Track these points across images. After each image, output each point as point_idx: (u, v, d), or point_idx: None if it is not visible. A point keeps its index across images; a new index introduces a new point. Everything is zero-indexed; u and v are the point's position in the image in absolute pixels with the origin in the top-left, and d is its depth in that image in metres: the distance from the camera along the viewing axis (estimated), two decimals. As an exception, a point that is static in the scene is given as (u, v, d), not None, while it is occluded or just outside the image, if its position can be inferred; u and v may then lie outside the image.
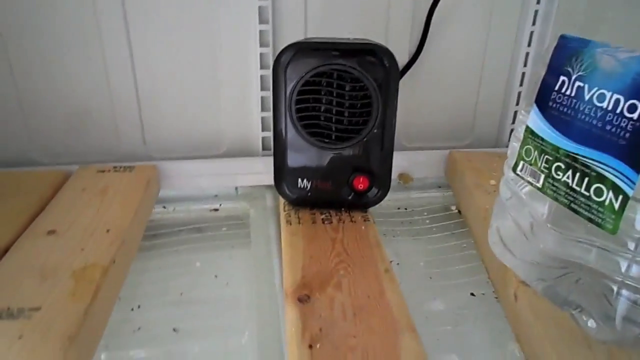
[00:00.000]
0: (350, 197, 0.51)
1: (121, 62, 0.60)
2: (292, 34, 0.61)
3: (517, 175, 0.40)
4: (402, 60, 0.66)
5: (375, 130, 0.48)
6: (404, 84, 0.67)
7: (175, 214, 0.60)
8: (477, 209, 0.53)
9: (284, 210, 0.52)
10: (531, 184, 0.38)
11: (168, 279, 0.50)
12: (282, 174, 0.51)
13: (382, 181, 0.51)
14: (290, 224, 0.49)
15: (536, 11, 0.66)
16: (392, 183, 0.61)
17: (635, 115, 0.30)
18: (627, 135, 0.31)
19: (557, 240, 0.37)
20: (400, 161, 0.67)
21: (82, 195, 0.52)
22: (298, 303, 0.39)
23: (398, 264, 0.51)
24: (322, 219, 0.50)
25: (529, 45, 0.68)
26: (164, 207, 0.61)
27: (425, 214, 0.60)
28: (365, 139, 0.48)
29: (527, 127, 0.39)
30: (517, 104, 0.72)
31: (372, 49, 0.47)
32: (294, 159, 0.50)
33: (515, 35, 0.68)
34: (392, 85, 0.48)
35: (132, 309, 0.45)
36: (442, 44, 0.66)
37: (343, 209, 0.51)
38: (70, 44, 0.58)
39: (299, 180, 0.50)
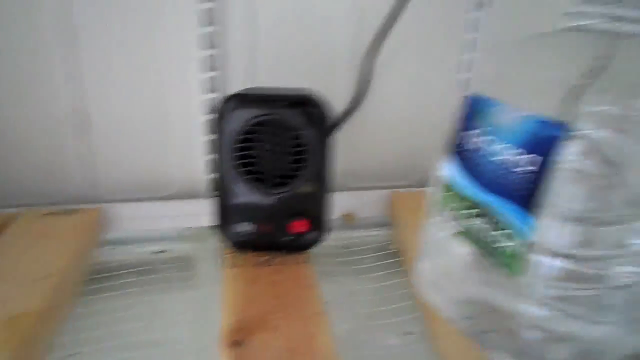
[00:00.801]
0: (290, 240, 0.52)
1: (68, 106, 0.61)
2: (239, 81, 0.64)
3: (439, 219, 0.43)
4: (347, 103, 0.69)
5: (312, 176, 0.51)
6: (349, 125, 0.70)
7: (120, 257, 0.60)
8: (414, 248, 0.55)
9: (226, 253, 0.53)
10: (451, 228, 0.41)
11: (109, 323, 0.50)
12: (225, 217, 0.52)
13: (320, 224, 0.53)
14: (232, 266, 0.51)
15: (473, 57, 0.71)
16: (336, 222, 0.64)
17: (532, 167, 0.33)
18: (526, 185, 0.34)
19: (476, 281, 0.40)
20: (344, 201, 0.69)
21: (21, 240, 0.52)
22: (232, 347, 0.40)
23: (336, 304, 0.52)
24: (263, 261, 0.51)
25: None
26: (108, 250, 0.61)
27: (367, 253, 0.62)
28: (303, 185, 0.51)
29: (443, 175, 0.42)
30: (457, 145, 0.75)
31: (306, 99, 0.50)
32: (235, 203, 0.51)
33: (455, 79, 0.72)
34: (327, 132, 0.50)
35: (69, 356, 0.45)
36: (387, 87, 0.70)
37: (284, 251, 0.53)
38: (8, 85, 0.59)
39: (241, 224, 0.52)
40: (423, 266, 0.46)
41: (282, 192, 0.51)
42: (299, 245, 0.53)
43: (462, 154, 0.40)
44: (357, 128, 0.71)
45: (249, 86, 0.64)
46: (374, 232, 0.67)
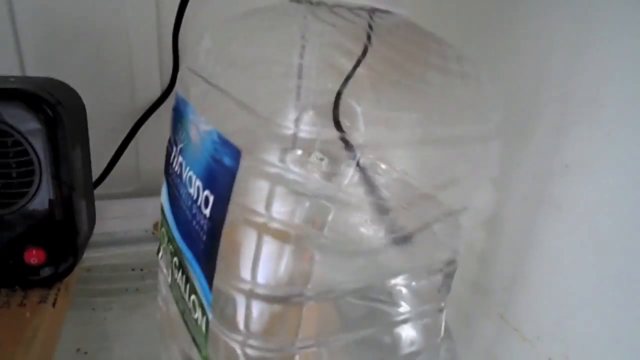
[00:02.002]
0: (24, 274, 0.41)
1: None
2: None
3: (161, 255, 0.32)
4: (155, 93, 0.57)
5: (45, 191, 0.39)
6: (162, 117, 0.58)
7: None
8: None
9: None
10: (165, 275, 0.30)
11: None
12: None
13: (66, 251, 0.41)
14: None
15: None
16: (146, 234, 0.53)
17: (207, 212, 0.23)
18: (204, 237, 0.23)
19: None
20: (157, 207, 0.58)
21: None
22: None
23: (86, 353, 0.41)
24: (-13, 303, 0.39)
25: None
26: None
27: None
28: (32, 203, 0.39)
29: (162, 200, 0.31)
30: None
31: (27, 93, 0.37)
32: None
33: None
34: (64, 134, 0.38)
35: None
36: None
37: (17, 287, 0.41)
38: None
39: (-46, 255, 0.40)
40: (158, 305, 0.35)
41: (5, 214, 0.39)
42: (37, 280, 0.41)
43: (170, 176, 0.29)
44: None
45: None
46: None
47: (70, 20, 0.52)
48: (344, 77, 0.22)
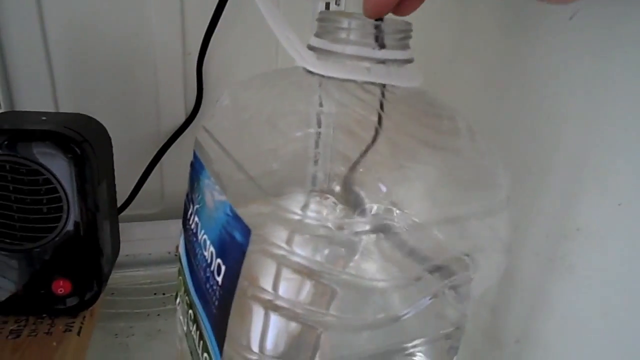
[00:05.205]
0: (52, 303, 0.42)
1: None
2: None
3: (177, 307, 0.33)
4: (179, 119, 0.59)
5: (72, 226, 0.41)
6: (185, 142, 0.59)
7: None
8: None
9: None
10: (181, 323, 0.32)
11: None
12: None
13: (90, 281, 0.43)
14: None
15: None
16: (169, 256, 0.54)
17: (220, 279, 0.24)
18: (216, 302, 0.24)
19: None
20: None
21: None
22: None
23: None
24: (12, 330, 0.41)
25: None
26: None
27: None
28: (60, 237, 0.41)
29: (180, 250, 0.32)
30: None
31: (56, 133, 0.39)
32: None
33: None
34: (90, 170, 0.40)
35: None
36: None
37: (45, 315, 0.43)
38: None
39: (-12, 284, 0.42)
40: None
41: (34, 247, 0.41)
42: (63, 309, 0.43)
43: (187, 231, 0.30)
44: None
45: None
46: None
47: (101, 51, 0.54)
48: (359, 143, 0.23)
